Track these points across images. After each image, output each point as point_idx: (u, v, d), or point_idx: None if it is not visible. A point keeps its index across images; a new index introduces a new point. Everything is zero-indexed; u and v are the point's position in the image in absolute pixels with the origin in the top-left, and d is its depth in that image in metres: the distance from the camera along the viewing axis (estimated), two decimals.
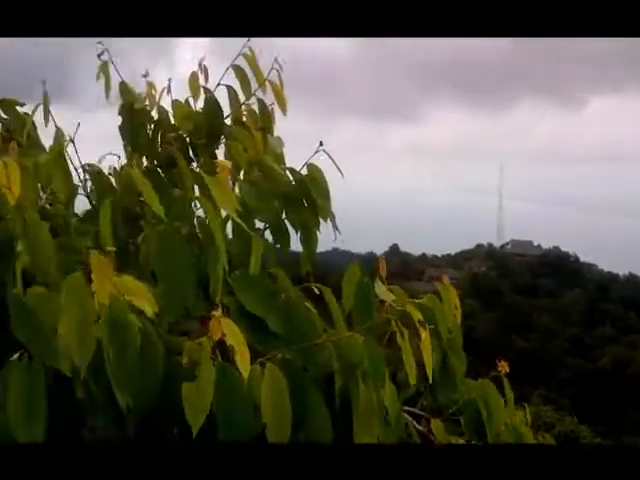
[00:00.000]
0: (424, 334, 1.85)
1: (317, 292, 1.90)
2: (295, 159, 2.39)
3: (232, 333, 1.51)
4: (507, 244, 79.08)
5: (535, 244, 77.65)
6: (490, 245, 79.04)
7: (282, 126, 2.53)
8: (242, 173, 2.22)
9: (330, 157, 2.17)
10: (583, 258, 70.22)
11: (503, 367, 2.34)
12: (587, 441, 14.96)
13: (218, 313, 1.53)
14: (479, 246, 79.03)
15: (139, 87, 2.55)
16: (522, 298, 54.18)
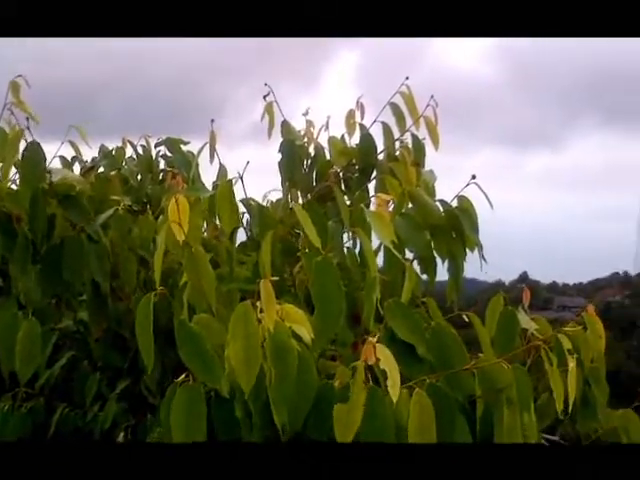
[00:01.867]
0: (572, 363, 1.85)
1: (467, 320, 1.95)
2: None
3: (386, 359, 1.55)
4: None
5: None
6: (626, 273, 73.76)
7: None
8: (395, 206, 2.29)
9: (482, 190, 2.22)
10: None
11: None
12: None
13: (374, 339, 1.57)
14: (614, 274, 74.71)
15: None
16: None
